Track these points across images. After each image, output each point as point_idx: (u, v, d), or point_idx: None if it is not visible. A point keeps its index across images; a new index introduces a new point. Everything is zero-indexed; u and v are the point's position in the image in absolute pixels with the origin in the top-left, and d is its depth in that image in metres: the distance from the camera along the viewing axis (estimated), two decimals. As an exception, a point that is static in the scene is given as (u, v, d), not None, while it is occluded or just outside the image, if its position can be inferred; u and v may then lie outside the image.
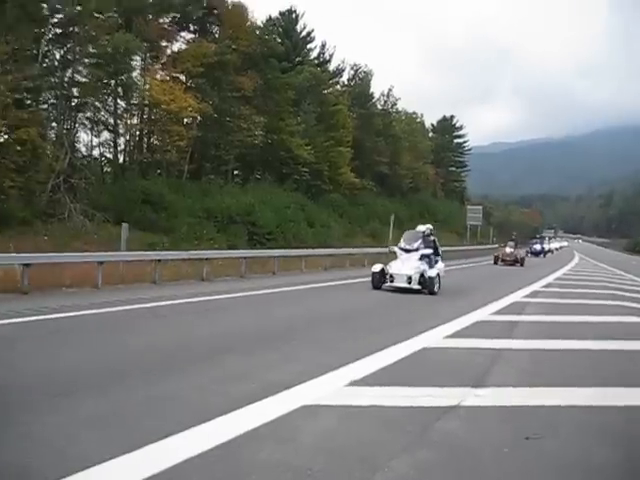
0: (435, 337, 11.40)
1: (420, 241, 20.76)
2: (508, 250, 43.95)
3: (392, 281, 20.16)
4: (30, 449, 5.06)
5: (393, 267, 20.43)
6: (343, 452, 5.36)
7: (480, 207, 73.01)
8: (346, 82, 64.52)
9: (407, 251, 20.63)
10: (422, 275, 19.80)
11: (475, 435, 6.10)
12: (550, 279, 30.06)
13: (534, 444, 5.88)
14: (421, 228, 21.40)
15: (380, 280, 20.27)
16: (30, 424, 5.58)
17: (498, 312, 15.82)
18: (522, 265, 42.36)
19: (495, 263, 43.08)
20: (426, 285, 19.64)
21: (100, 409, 6.16)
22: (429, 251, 20.70)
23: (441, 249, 22.06)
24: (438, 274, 20.28)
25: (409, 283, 19.80)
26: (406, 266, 20.15)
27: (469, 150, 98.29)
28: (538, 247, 66.74)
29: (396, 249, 21.24)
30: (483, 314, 15.14)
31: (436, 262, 20.93)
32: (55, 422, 5.69)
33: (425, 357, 9.67)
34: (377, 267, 20.63)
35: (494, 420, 6.64)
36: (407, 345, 10.35)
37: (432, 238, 21.23)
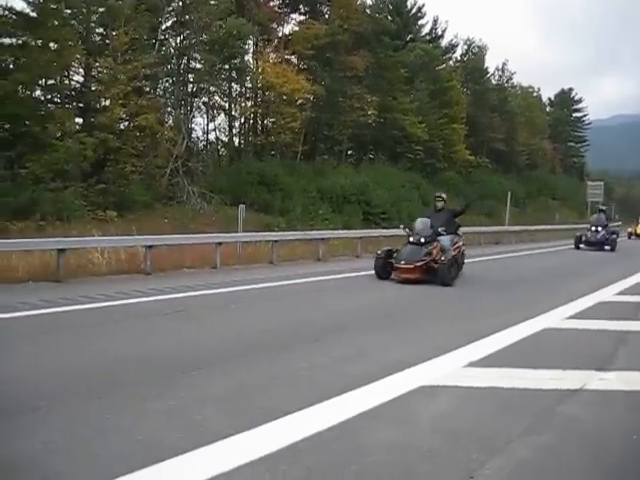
0: (556, 318, 10.92)
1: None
2: None
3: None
4: (166, 424, 5.18)
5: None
6: (461, 434, 5.19)
7: (601, 183, 70.01)
8: (459, 58, 63.12)
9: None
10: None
11: (600, 420, 5.76)
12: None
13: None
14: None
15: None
16: (167, 399, 5.75)
17: (623, 292, 15.02)
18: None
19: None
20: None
21: (223, 386, 6.25)
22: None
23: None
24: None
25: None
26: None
27: (588, 124, 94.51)
28: None
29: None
30: (607, 294, 14.41)
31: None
32: (186, 397, 5.81)
33: (546, 338, 9.27)
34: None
35: (620, 405, 6.25)
36: (527, 326, 9.96)
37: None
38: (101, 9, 28.46)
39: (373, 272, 16.08)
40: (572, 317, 11.13)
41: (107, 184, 26.12)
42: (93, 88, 28.99)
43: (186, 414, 5.37)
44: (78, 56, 27.69)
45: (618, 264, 23.20)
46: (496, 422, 5.53)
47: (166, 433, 4.92)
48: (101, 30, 30.21)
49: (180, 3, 33.20)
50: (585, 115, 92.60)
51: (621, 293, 14.78)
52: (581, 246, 31.34)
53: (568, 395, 6.41)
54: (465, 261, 17.40)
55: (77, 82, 29.88)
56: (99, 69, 28.22)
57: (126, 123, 29.31)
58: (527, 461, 4.73)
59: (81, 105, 29.42)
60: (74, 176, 25.40)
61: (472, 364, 7.43)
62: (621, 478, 4.59)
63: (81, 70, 29.60)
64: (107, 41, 29.34)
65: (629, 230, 47.29)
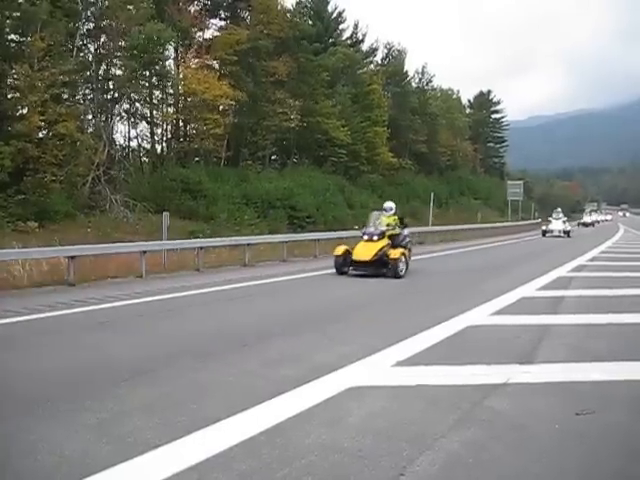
0: (480, 315, 11.32)
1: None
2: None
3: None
4: (95, 434, 5.19)
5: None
6: (392, 432, 5.37)
7: (521, 182, 72.15)
8: (380, 61, 64.01)
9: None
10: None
11: (525, 412, 6.06)
12: (595, 252, 29.62)
13: (585, 420, 5.82)
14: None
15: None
16: (96, 412, 5.74)
17: (544, 287, 15.62)
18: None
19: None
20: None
21: (151, 395, 6.29)
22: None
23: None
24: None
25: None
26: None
27: (507, 125, 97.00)
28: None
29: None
30: (528, 290, 14.97)
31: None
32: (115, 409, 5.82)
33: (470, 335, 9.60)
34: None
35: (543, 397, 6.57)
36: (451, 324, 10.29)
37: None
38: (15, 13, 27.77)
39: (301, 275, 16.97)
40: (496, 313, 11.52)
41: (27, 194, 25.49)
42: (9, 96, 28.27)
43: (116, 426, 5.39)
44: (-8, 63, 26.98)
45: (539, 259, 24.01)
46: (425, 419, 5.74)
47: (96, 446, 4.94)
48: (16, 36, 29.52)
49: (98, 8, 32.66)
50: (504, 116, 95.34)
51: (542, 288, 15.33)
52: None
53: (494, 389, 6.71)
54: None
55: (-8, 90, 29.12)
56: (15, 76, 27.51)
57: (45, 131, 28.66)
58: (456, 455, 4.94)
59: (-3, 114, 28.70)
60: (-8, 186, 24.76)
61: (400, 363, 7.65)
62: (545, 466, 4.81)
63: (-4, 78, 28.85)
64: (23, 47, 28.70)
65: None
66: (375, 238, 18.37)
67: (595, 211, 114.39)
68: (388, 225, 18.91)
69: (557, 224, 47.11)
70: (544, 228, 47.84)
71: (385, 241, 18.39)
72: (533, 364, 7.82)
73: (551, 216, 50.57)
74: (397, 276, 17.43)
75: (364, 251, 18.14)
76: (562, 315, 11.61)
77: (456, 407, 6.06)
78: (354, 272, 18.16)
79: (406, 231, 20.04)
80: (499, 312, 11.69)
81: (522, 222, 63.39)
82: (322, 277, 18.09)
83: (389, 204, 19.91)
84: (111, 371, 7.20)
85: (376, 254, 17.91)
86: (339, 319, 10.95)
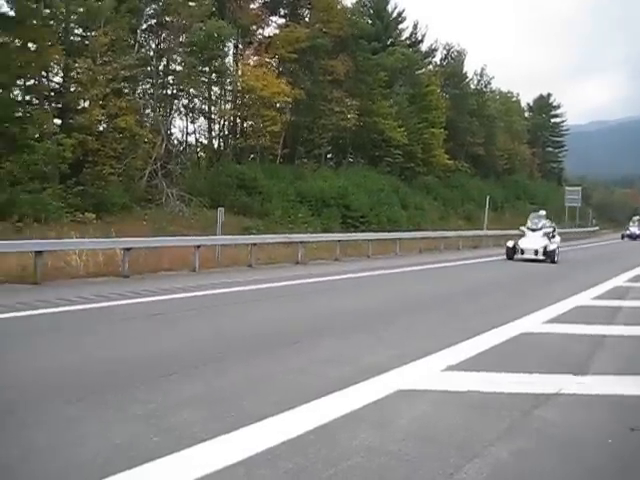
0: (533, 322, 11.05)
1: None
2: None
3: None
4: (143, 425, 5.18)
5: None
6: (439, 438, 5.24)
7: (579, 188, 70.54)
8: (438, 62, 63.43)
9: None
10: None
11: (577, 424, 5.85)
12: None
13: (641, 435, 5.60)
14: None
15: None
16: (145, 403, 5.73)
17: (599, 297, 15.18)
18: None
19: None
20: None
21: (200, 390, 6.24)
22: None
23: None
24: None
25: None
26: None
27: (567, 130, 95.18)
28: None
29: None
30: (583, 299, 14.59)
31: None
32: (164, 401, 5.81)
33: (523, 343, 9.36)
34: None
35: (596, 409, 6.33)
36: (504, 330, 10.06)
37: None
38: (80, 9, 28.25)
39: (352, 275, 17.36)
40: (550, 321, 11.25)
41: (85, 186, 25.97)
42: (72, 89, 28.79)
43: (164, 418, 5.37)
44: (57, 57, 27.46)
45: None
46: (474, 426, 5.58)
47: (144, 437, 4.92)
48: (80, 31, 30.07)
49: (160, 4, 33.07)
50: (563, 121, 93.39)
51: (598, 298, 14.93)
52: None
53: (546, 399, 6.47)
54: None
55: (56, 83, 29.70)
56: (78, 70, 27.95)
57: (105, 125, 29.15)
58: (504, 465, 4.77)
59: (60, 106, 29.24)
60: (52, 177, 25.24)
61: (451, 367, 7.50)
62: (595, 481, 4.64)
63: (60, 71, 29.42)
64: (86, 42, 29.22)
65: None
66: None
67: None
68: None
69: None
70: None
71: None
72: (587, 375, 7.55)
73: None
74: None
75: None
76: (618, 326, 11.26)
77: (506, 415, 5.88)
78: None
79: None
80: (553, 320, 11.40)
81: (579, 229, 62.02)
82: (372, 277, 18.01)
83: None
84: (161, 363, 7.20)
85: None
86: (390, 321, 10.81)
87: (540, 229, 26.35)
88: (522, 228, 27.36)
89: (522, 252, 25.49)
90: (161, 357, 7.57)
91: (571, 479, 4.67)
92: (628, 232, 60.80)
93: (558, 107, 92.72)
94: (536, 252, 25.13)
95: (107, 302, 11.45)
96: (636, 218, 63.26)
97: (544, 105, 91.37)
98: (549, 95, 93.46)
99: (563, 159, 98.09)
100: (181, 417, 5.39)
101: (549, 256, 24.84)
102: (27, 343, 8.13)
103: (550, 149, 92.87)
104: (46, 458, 4.47)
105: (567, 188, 70.77)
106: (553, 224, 27.95)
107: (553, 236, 26.87)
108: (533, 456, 4.98)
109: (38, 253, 13.95)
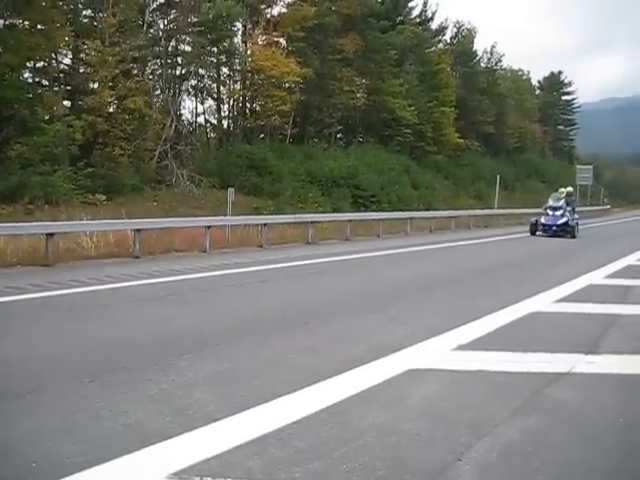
0: (545, 301, 11.03)
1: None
2: None
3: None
4: (157, 405, 5.23)
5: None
6: (450, 417, 5.27)
7: (590, 166, 69.96)
8: (449, 40, 62.95)
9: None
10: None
11: (588, 403, 5.86)
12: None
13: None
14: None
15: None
16: (158, 383, 5.79)
17: (611, 275, 15.14)
18: None
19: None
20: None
21: (212, 369, 6.29)
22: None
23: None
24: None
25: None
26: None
27: (578, 107, 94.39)
28: None
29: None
30: (596, 277, 14.54)
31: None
32: (177, 381, 5.85)
33: (534, 322, 9.36)
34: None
35: (608, 388, 6.35)
36: (516, 309, 10.07)
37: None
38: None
39: (363, 255, 17.51)
40: (562, 300, 11.23)
41: (96, 167, 26.00)
42: (81, 71, 28.81)
43: (177, 398, 5.41)
44: (66, 38, 27.45)
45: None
46: (484, 405, 5.61)
47: (157, 416, 4.97)
48: (89, 12, 30.00)
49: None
50: (575, 98, 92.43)
51: (610, 276, 14.87)
52: None
53: (557, 378, 6.50)
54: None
55: (65, 65, 29.73)
56: (87, 51, 27.92)
57: (114, 106, 29.14)
58: (515, 443, 4.79)
59: (69, 88, 29.31)
60: (63, 159, 25.29)
61: (462, 347, 7.52)
62: (607, 459, 4.65)
63: (69, 53, 29.42)
64: (95, 23, 29.16)
65: None
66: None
67: None
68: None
69: None
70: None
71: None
72: (598, 354, 7.54)
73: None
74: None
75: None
76: (631, 305, 11.23)
77: (517, 394, 5.91)
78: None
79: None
80: (565, 299, 11.38)
81: (590, 208, 61.54)
82: (383, 257, 18.01)
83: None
84: (174, 344, 7.25)
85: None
86: (401, 300, 10.80)
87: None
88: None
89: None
90: (173, 337, 7.61)
91: (582, 457, 4.67)
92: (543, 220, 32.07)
93: (569, 84, 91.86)
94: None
95: (119, 283, 11.50)
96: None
97: (555, 83, 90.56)
98: (560, 73, 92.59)
99: (574, 137, 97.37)
100: (193, 397, 5.44)
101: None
102: (40, 325, 8.18)
103: (561, 127, 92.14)
104: (59, 438, 4.50)
105: (578, 166, 70.24)
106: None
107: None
108: (544, 435, 5.00)
109: (49, 235, 13.99)
